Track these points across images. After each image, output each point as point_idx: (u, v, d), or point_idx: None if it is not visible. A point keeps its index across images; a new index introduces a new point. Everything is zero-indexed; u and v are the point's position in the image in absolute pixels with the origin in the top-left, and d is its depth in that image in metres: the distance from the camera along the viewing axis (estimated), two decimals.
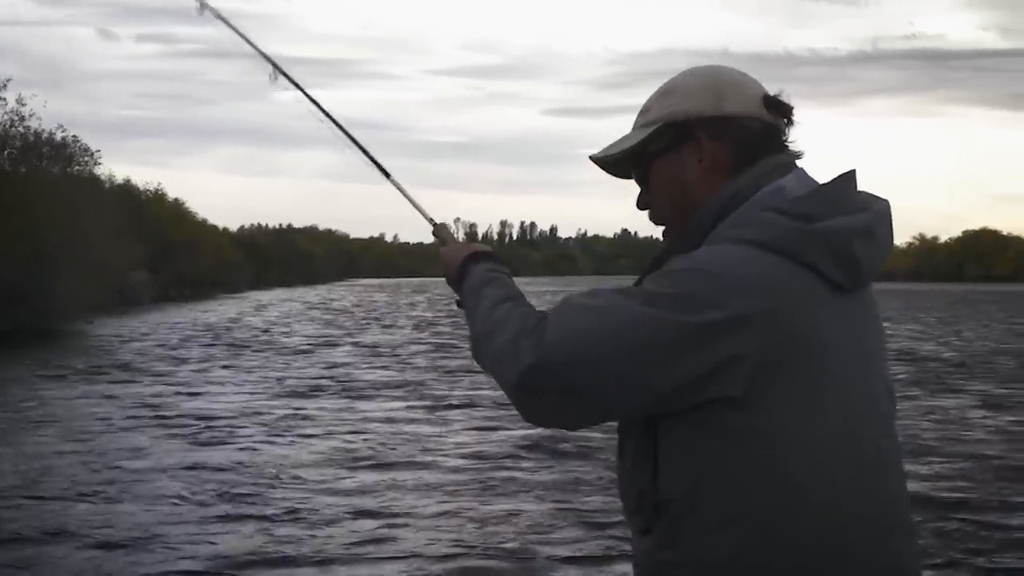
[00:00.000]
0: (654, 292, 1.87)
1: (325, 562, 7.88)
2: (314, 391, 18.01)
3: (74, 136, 47.19)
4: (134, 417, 14.81)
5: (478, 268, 2.19)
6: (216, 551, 8.09)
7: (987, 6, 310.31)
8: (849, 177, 2.01)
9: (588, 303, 1.90)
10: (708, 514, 1.86)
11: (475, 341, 2.06)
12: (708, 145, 2.04)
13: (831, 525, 1.87)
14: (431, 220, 2.54)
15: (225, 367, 22.34)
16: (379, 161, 2.73)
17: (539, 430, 12.08)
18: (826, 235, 1.90)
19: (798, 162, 2.06)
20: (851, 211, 1.94)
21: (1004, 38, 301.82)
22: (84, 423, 14.32)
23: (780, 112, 2.06)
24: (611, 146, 2.18)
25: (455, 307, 2.27)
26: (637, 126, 2.14)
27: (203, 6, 2.89)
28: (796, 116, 2.08)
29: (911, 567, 1.99)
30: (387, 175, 2.70)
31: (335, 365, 22.95)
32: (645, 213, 2.18)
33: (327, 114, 2.80)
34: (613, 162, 2.19)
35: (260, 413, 15.19)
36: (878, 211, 1.99)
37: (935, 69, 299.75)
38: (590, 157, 2.23)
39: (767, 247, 1.88)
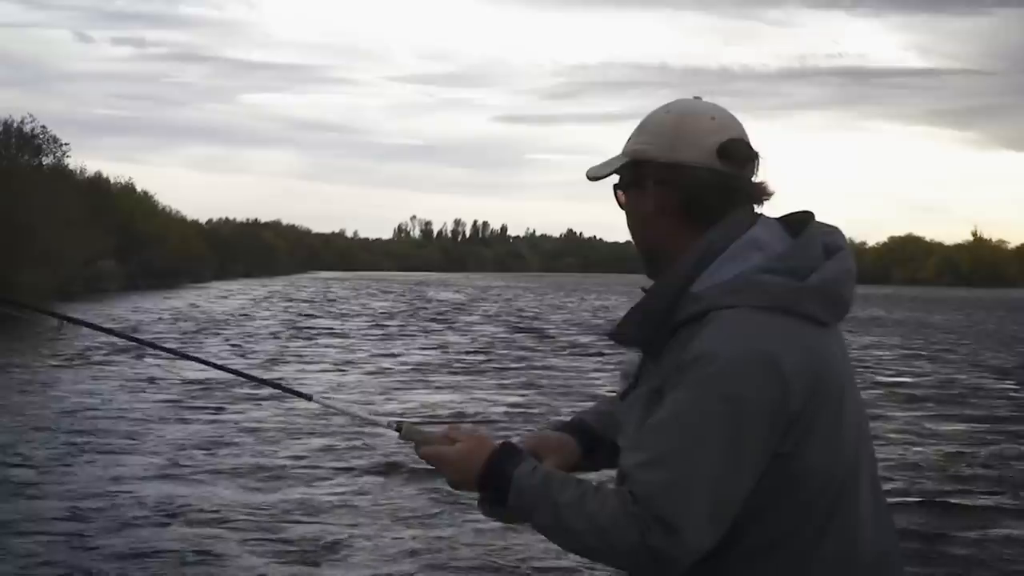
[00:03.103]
0: (722, 410, 1.83)
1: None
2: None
3: (42, 127, 45.96)
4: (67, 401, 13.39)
5: (521, 472, 1.96)
6: None
7: (907, 28, 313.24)
8: (810, 217, 2.03)
9: (680, 473, 1.83)
10: (747, 548, 1.89)
11: (578, 546, 1.93)
12: (654, 191, 2.03)
13: (849, 549, 1.94)
14: (393, 426, 2.19)
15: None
16: (294, 388, 2.48)
17: None
18: (821, 287, 1.94)
19: (767, 202, 2.05)
20: (830, 254, 1.97)
21: (923, 58, 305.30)
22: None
23: (736, 163, 2.00)
24: (601, 166, 2.12)
25: (479, 508, 2.07)
26: (622, 151, 2.10)
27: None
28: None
29: (899, 567, 2.07)
30: (309, 398, 2.40)
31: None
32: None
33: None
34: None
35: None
36: (846, 249, 2.01)
37: (858, 86, 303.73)
38: (587, 173, 2.14)
39: (773, 309, 1.90)
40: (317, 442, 11.40)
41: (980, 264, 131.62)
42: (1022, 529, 8.49)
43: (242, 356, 21.78)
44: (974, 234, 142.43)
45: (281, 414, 13.14)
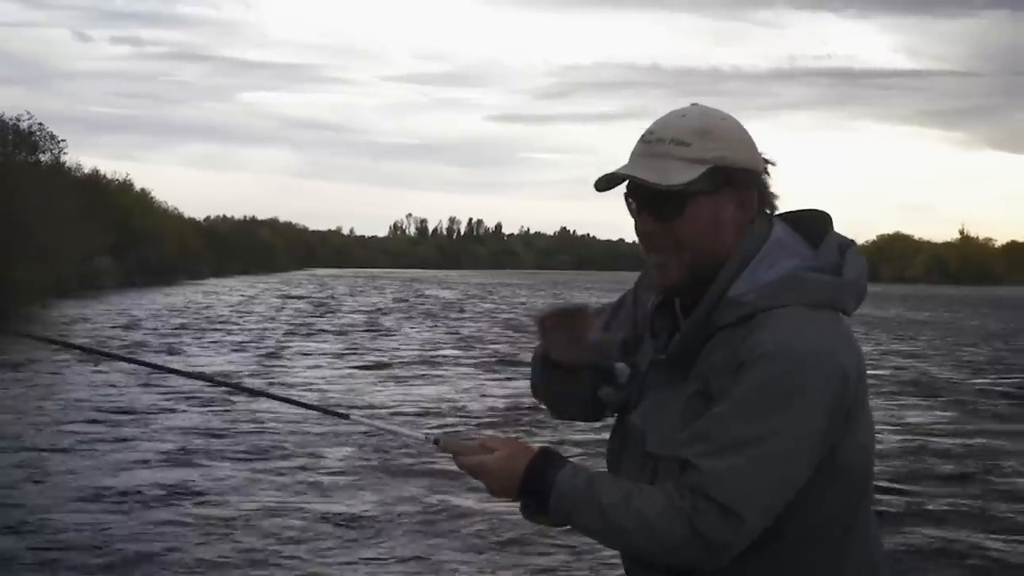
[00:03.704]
0: (794, 404, 1.87)
1: None
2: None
3: (39, 124, 45.81)
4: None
5: (563, 478, 1.96)
6: None
7: (895, 29, 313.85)
8: (829, 219, 2.08)
9: (751, 460, 1.85)
10: (790, 537, 1.92)
11: (626, 544, 1.96)
12: (746, 196, 2.03)
13: (870, 535, 2.03)
14: (432, 438, 2.15)
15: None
16: (331, 408, 2.42)
17: None
18: (857, 283, 2.01)
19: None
20: (842, 251, 2.03)
21: (911, 59, 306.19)
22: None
23: (767, 172, 2.07)
24: (658, 172, 1.98)
25: (522, 514, 2.04)
26: (675, 157, 1.99)
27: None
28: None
29: None
30: (346, 417, 2.35)
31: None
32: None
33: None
34: (616, 178, 2.03)
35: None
36: (855, 244, 2.07)
37: (846, 87, 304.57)
38: (614, 175, 2.02)
39: (823, 305, 1.95)
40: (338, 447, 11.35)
41: (967, 262, 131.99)
42: (967, 515, 8.62)
43: (244, 352, 21.72)
44: (961, 232, 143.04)
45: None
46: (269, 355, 21.11)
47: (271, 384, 16.19)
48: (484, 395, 15.38)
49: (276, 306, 41.99)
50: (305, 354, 21.49)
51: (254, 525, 7.80)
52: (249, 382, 16.13)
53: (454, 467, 2.10)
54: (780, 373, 1.87)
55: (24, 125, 44.83)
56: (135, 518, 7.94)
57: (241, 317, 33.78)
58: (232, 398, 13.88)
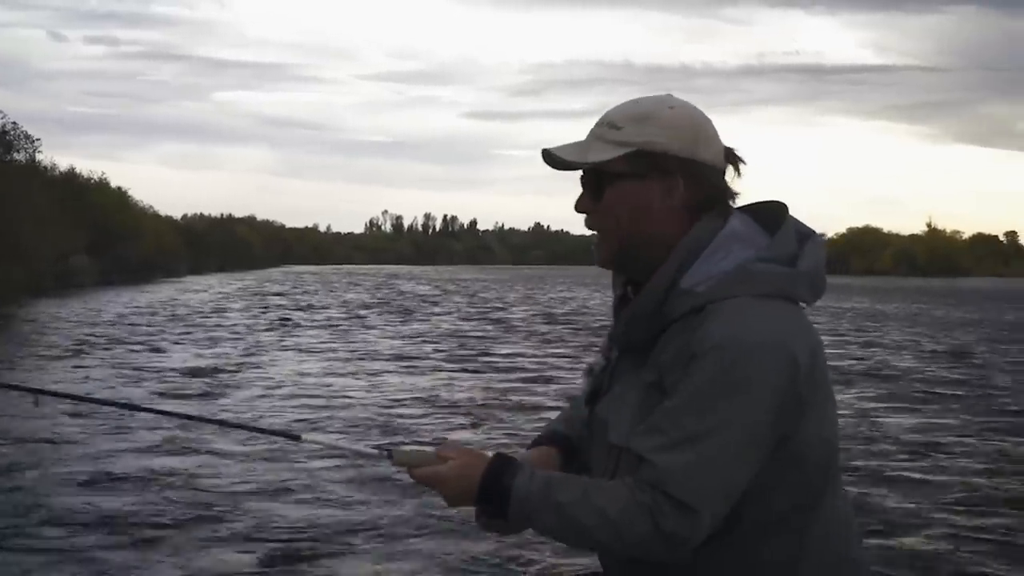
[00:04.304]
0: (742, 395, 1.86)
1: None
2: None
3: (13, 123, 45.49)
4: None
5: (520, 482, 1.94)
6: None
7: (863, 25, 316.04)
8: (785, 209, 2.06)
9: (702, 455, 1.86)
10: (749, 527, 1.92)
11: (588, 542, 1.94)
12: (679, 185, 1.99)
13: (836, 522, 2.01)
14: (385, 453, 2.14)
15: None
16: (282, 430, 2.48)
17: None
18: (809, 272, 1.99)
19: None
20: (802, 241, 2.02)
21: (878, 55, 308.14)
22: None
23: (735, 166, 2.05)
24: (579, 150, 2.03)
25: (477, 522, 2.05)
26: (604, 139, 2.01)
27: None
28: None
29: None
30: (298, 438, 2.37)
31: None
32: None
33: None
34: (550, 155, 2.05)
35: None
36: (816, 235, 2.06)
37: (815, 82, 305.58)
38: (546, 151, 2.04)
39: (774, 295, 1.94)
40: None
41: (935, 255, 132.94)
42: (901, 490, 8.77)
43: (218, 349, 21.66)
44: (929, 226, 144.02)
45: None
46: (245, 351, 21.10)
47: (248, 381, 16.21)
48: (460, 388, 15.48)
49: (253, 303, 41.83)
50: (282, 348, 21.51)
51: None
52: (224, 378, 16.17)
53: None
54: (728, 364, 1.87)
55: None
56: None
57: (217, 313, 33.68)
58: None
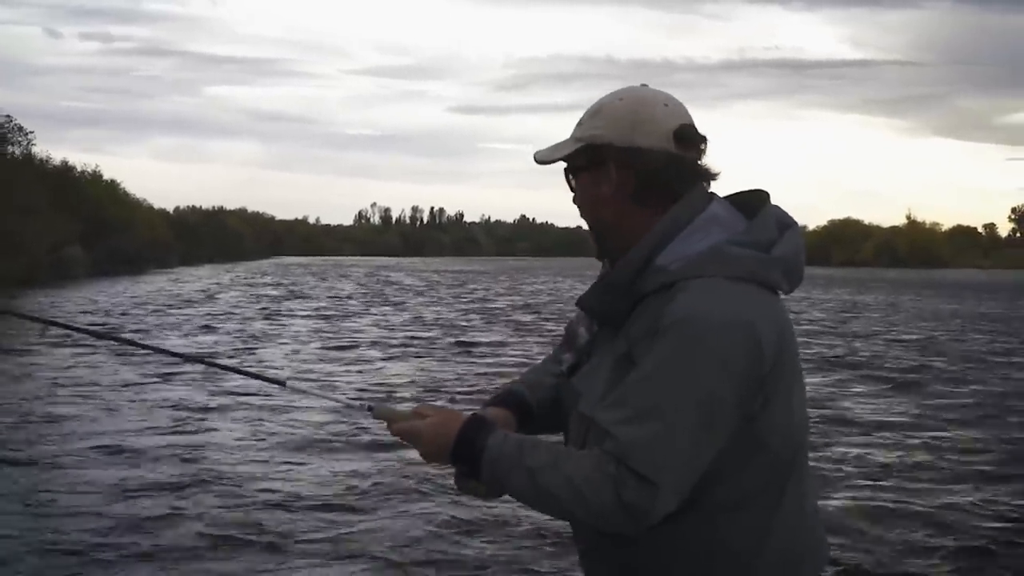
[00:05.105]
0: (703, 371, 1.87)
1: None
2: None
3: (7, 116, 45.37)
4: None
5: (493, 442, 1.99)
6: None
7: (841, 21, 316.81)
8: (765, 197, 2.08)
9: (663, 428, 1.86)
10: (716, 506, 1.94)
11: (554, 508, 1.95)
12: (614, 174, 2.04)
13: (801, 504, 2.03)
14: (366, 407, 2.23)
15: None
16: (270, 376, 2.58)
17: None
18: (784, 259, 2.00)
19: (714, 183, 2.10)
20: (782, 230, 2.03)
21: (857, 50, 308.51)
22: None
23: (689, 145, 2.05)
24: (551, 149, 2.14)
25: (456, 484, 2.09)
26: (572, 136, 2.11)
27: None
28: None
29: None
30: (282, 384, 2.45)
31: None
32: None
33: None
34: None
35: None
36: (796, 224, 2.06)
37: (795, 77, 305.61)
38: (535, 155, 2.16)
39: (745, 278, 1.94)
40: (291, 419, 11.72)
41: (915, 247, 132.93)
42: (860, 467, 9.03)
43: (212, 335, 21.87)
44: (908, 218, 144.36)
45: (251, 397, 13.24)
46: (237, 336, 21.37)
47: (241, 364, 16.42)
48: (442, 373, 15.72)
49: (244, 292, 41.87)
50: (273, 336, 21.73)
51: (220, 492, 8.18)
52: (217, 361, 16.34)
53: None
54: (690, 339, 1.88)
55: None
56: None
57: (209, 303, 33.75)
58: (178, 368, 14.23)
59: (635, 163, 2.03)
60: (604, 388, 2.00)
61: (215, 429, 10.73)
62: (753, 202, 2.09)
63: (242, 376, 2.69)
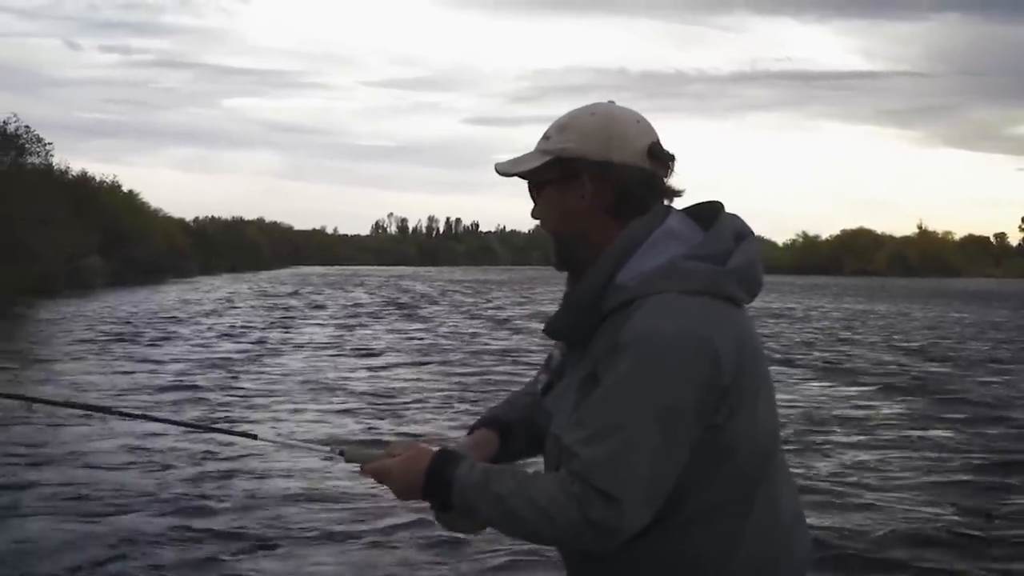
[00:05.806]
0: (660, 386, 1.87)
1: None
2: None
3: (26, 126, 45.51)
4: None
5: (461, 473, 1.99)
6: None
7: (851, 33, 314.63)
8: (720, 208, 2.08)
9: (623, 445, 1.86)
10: (685, 518, 1.94)
11: (524, 531, 1.95)
12: (590, 187, 2.04)
13: (773, 512, 2.01)
14: (337, 451, 2.23)
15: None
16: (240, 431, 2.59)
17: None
18: (739, 270, 1.98)
19: (678, 199, 2.11)
20: (739, 240, 2.02)
21: (867, 61, 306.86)
22: None
23: (660, 163, 2.06)
24: (514, 162, 2.13)
25: (436, 521, 2.10)
26: (538, 150, 2.11)
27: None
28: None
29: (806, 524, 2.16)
30: (254, 437, 2.51)
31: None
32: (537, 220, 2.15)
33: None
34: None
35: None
36: (753, 234, 2.06)
37: (806, 88, 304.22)
38: (495, 167, 2.16)
39: (700, 292, 1.94)
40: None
41: (927, 256, 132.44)
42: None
43: (231, 341, 21.96)
44: (920, 227, 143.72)
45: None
46: (257, 343, 21.54)
47: (258, 373, 16.44)
48: (455, 380, 15.68)
49: (263, 301, 41.92)
50: (292, 344, 21.71)
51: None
52: (237, 368, 16.41)
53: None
54: (645, 356, 1.88)
55: (11, 128, 44.58)
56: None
57: (229, 312, 33.79)
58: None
59: (611, 177, 2.04)
60: (572, 408, 2.00)
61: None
62: (710, 213, 2.09)
63: (212, 432, 2.67)
